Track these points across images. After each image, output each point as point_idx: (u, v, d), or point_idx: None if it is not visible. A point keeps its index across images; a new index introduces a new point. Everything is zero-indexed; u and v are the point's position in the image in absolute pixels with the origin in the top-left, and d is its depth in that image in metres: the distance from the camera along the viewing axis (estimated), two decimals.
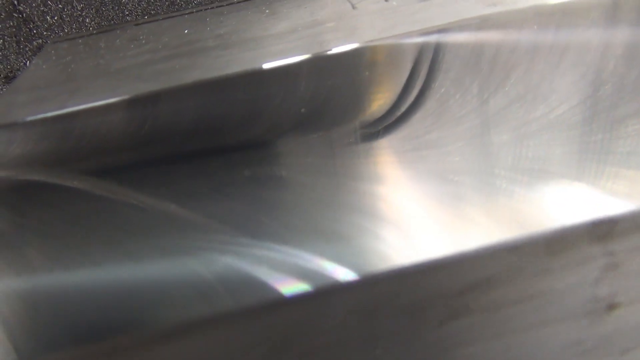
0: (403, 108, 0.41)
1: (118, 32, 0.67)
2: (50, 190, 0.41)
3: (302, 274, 0.36)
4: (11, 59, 0.75)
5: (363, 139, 0.42)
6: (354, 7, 0.54)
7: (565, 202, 0.37)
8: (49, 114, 0.43)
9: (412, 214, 0.38)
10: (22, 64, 0.75)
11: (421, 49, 0.42)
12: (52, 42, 0.71)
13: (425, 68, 0.42)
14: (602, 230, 0.36)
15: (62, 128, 0.43)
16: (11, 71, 0.75)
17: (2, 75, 0.75)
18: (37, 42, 0.75)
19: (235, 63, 0.44)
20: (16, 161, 0.43)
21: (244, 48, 0.48)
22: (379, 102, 0.42)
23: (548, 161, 0.40)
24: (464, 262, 0.36)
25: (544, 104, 0.42)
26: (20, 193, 0.42)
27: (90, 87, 0.47)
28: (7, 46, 0.74)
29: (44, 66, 0.58)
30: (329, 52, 0.42)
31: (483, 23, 0.42)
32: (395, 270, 0.35)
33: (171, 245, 0.38)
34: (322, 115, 0.42)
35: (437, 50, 0.42)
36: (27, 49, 0.75)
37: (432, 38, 0.42)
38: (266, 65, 0.42)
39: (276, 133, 0.42)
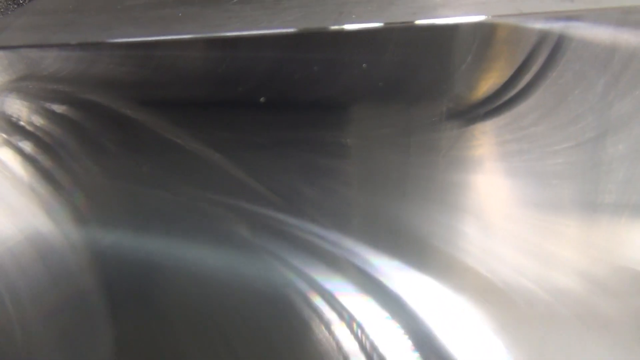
0: (510, 94, 0.37)
1: None
2: (108, 115, 0.40)
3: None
4: None
5: (452, 119, 0.37)
6: None
7: None
8: (133, 39, 0.42)
9: (494, 219, 0.34)
10: None
11: (545, 34, 0.37)
12: None
13: (545, 54, 0.37)
14: None
15: (143, 55, 0.42)
16: None
17: None
18: None
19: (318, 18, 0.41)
20: (83, 80, 0.42)
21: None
22: (484, 82, 0.37)
23: None
24: None
25: None
26: (81, 110, 0.41)
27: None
28: None
29: None
30: (422, 22, 0.38)
31: (625, 16, 0.37)
32: None
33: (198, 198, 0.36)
34: (406, 87, 0.38)
35: (563, 37, 0.37)
36: None
37: (559, 24, 0.37)
38: (349, 27, 0.39)
39: (351, 98, 0.39)
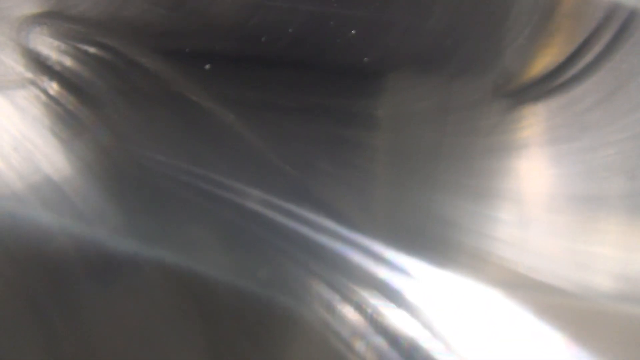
0: (567, 75, 0.34)
1: None
2: (129, 62, 0.38)
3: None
4: None
5: (499, 98, 0.35)
6: None
7: None
8: None
9: (534, 210, 0.32)
10: None
11: (614, 10, 0.33)
12: None
13: (610, 34, 0.33)
14: None
15: None
16: None
17: None
18: None
19: None
20: (112, 23, 0.40)
21: None
22: (539, 60, 0.34)
23: None
24: None
25: None
26: (105, 55, 0.39)
27: None
28: None
29: None
30: None
31: None
32: None
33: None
34: (450, 58, 0.35)
35: (633, 16, 0.33)
36: None
37: (632, 1, 0.33)
38: None
39: (388, 66, 0.36)
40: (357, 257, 0.31)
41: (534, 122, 0.33)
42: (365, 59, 0.36)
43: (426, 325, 0.29)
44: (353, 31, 0.36)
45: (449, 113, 0.34)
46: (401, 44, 0.36)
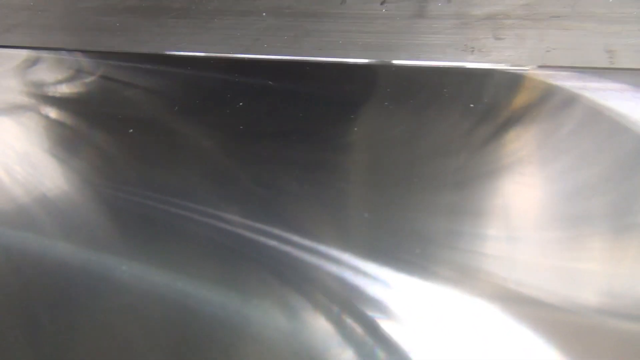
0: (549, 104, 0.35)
1: None
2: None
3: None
4: None
5: (482, 122, 0.36)
6: None
7: None
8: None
9: (519, 226, 0.33)
10: None
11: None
12: None
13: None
14: None
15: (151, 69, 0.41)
16: None
17: None
18: None
19: None
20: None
21: None
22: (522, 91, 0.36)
23: None
24: None
25: None
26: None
27: None
28: None
29: None
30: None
31: None
32: None
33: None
34: (420, 87, 0.37)
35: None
36: None
37: None
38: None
39: (362, 94, 0.37)
40: (331, 270, 0.31)
41: (521, 144, 0.35)
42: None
43: (412, 338, 0.29)
44: (328, 63, 0.38)
45: (422, 138, 0.35)
46: (372, 76, 0.38)
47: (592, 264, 0.31)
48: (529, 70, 0.36)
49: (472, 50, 0.38)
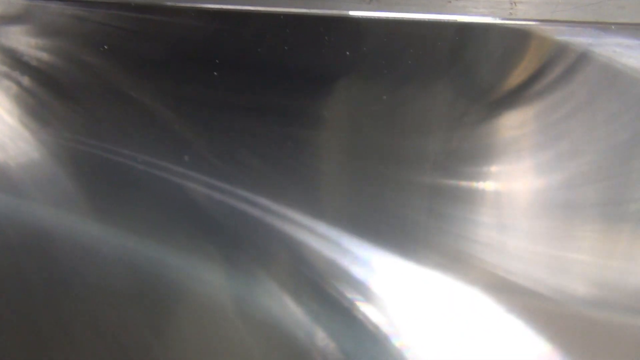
0: (540, 85, 0.34)
1: None
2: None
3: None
4: None
5: (472, 103, 0.35)
6: None
7: None
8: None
9: (509, 214, 0.32)
10: None
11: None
12: None
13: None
14: None
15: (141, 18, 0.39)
16: None
17: None
18: None
19: None
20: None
21: None
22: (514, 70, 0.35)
23: None
24: None
25: None
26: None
27: None
28: None
29: None
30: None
31: None
32: None
33: None
34: (397, 63, 0.35)
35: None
36: None
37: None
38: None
39: (338, 68, 0.35)
40: (309, 248, 0.30)
41: (512, 128, 0.34)
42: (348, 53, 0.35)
43: (395, 321, 0.28)
44: (302, 38, 0.36)
45: (400, 116, 0.34)
46: (348, 50, 0.36)
47: (582, 254, 0.31)
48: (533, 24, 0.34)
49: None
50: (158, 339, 0.29)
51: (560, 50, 0.33)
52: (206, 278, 0.29)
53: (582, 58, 0.33)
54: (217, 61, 0.36)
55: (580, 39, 0.32)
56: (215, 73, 0.35)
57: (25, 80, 0.39)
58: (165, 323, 0.28)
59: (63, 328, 0.30)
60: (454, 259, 0.30)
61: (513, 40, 0.33)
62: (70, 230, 0.30)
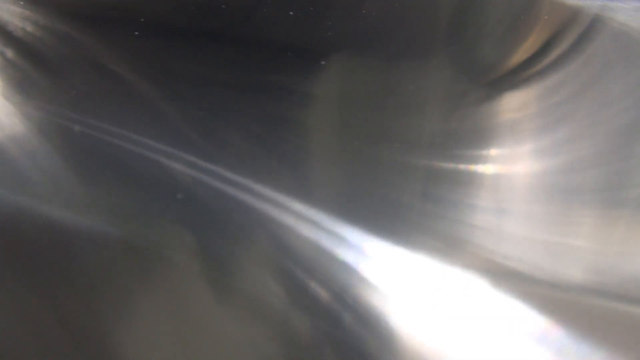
0: (541, 65, 0.33)
1: None
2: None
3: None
4: None
5: (467, 84, 0.34)
6: None
7: None
8: None
9: (507, 198, 0.31)
10: None
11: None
12: None
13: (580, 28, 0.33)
14: None
15: None
16: None
17: None
18: None
19: None
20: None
21: None
22: (514, 49, 0.34)
23: None
24: None
25: None
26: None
27: None
28: None
29: None
30: None
31: None
32: None
33: None
34: (387, 41, 0.35)
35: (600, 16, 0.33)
36: None
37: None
38: None
39: (328, 46, 0.35)
40: (296, 231, 0.29)
41: (511, 110, 0.33)
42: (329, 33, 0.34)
43: (388, 307, 0.27)
44: (291, 12, 0.35)
45: (395, 95, 0.33)
46: (339, 25, 0.35)
47: (580, 240, 0.30)
48: None
49: None
50: (123, 323, 0.27)
51: (573, 15, 0.32)
52: (185, 261, 0.28)
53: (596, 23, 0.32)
54: (205, 37, 0.35)
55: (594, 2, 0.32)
56: (204, 48, 0.34)
57: (9, 52, 0.37)
58: (135, 305, 0.27)
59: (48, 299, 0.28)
60: (449, 243, 0.30)
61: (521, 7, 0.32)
62: (50, 205, 0.29)
